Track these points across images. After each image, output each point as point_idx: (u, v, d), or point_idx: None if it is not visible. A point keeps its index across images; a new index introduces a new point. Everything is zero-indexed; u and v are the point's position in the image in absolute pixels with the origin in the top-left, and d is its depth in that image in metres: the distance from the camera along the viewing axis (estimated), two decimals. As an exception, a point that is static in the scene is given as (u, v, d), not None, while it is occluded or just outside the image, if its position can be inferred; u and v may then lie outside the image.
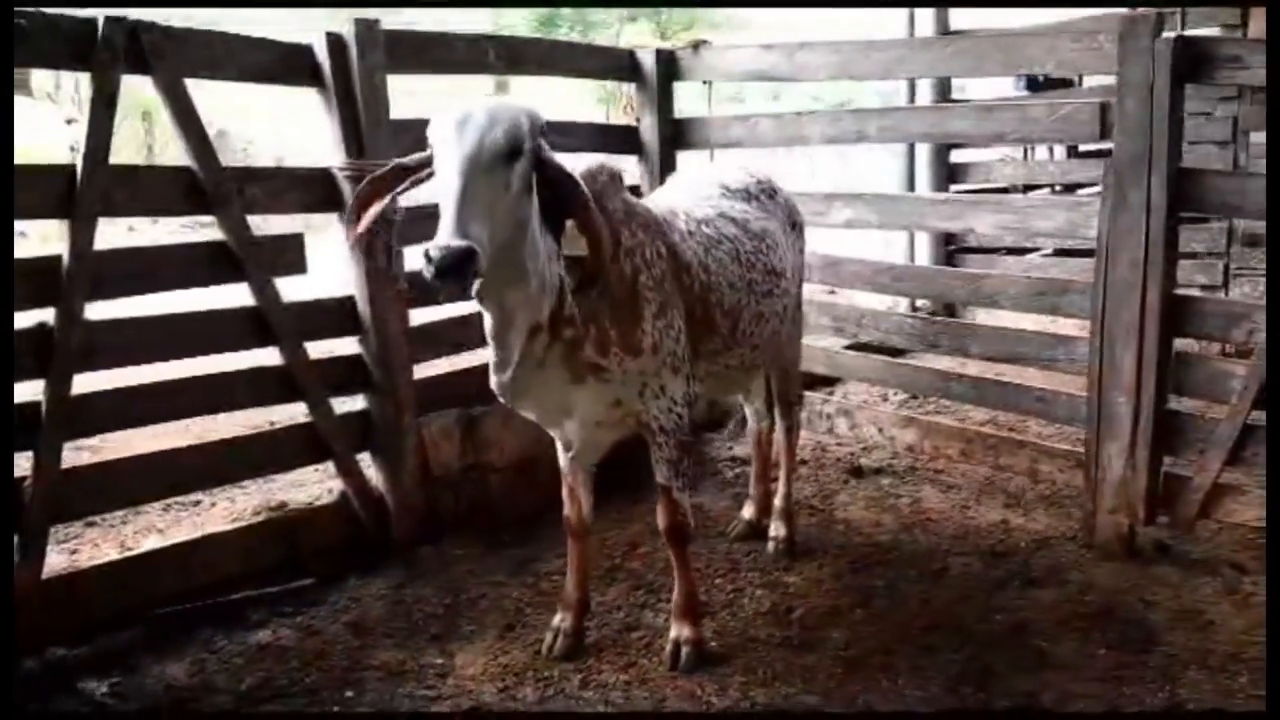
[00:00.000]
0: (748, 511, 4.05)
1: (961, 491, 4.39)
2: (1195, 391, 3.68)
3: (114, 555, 3.57)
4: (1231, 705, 2.79)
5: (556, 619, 3.19)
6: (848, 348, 5.25)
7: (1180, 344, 3.69)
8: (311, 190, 3.66)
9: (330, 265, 3.83)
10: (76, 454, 3.30)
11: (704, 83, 4.88)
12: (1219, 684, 2.90)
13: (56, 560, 3.40)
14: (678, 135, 4.86)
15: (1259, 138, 7.33)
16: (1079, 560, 3.72)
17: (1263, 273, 6.77)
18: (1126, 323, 3.60)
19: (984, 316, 5.75)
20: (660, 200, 3.31)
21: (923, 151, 7.18)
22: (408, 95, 3.75)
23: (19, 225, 3.19)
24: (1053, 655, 3.08)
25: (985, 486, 4.42)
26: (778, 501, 3.89)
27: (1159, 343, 3.56)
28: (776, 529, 3.85)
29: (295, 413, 3.79)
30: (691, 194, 3.37)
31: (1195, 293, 3.83)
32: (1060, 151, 8.07)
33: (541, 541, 3.87)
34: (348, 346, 3.83)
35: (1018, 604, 3.40)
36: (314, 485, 4.13)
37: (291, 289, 3.56)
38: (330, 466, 3.83)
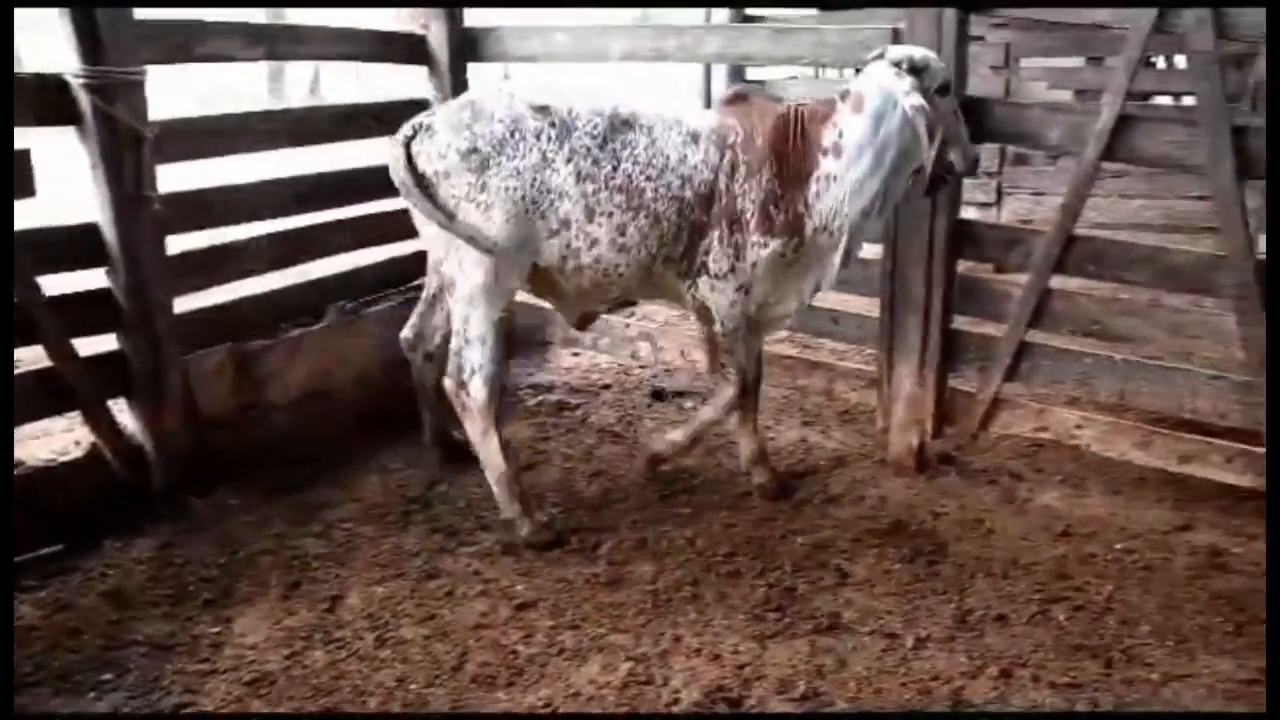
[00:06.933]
0: None
1: (761, 413, 4.42)
2: (977, 311, 3.84)
3: None
4: (1013, 611, 2.93)
5: None
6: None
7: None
8: (42, 101, 3.14)
9: (67, 187, 3.34)
10: None
11: (493, -13, 4.55)
12: (1001, 590, 3.05)
13: None
14: (468, 47, 4.51)
15: (1028, 63, 7.76)
16: (874, 475, 3.83)
17: (1028, 189, 7.26)
18: (917, 247, 3.69)
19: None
20: None
21: (720, 67, 7.21)
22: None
23: None
24: (852, 573, 3.15)
25: (785, 406, 4.48)
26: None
27: (945, 266, 3.68)
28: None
29: (36, 355, 3.30)
30: None
31: (975, 214, 3.94)
32: (850, 70, 8.22)
33: (332, 484, 3.62)
34: (94, 280, 3.36)
35: (817, 524, 3.46)
36: (60, 437, 3.65)
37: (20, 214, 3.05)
38: (77, 416, 3.39)
